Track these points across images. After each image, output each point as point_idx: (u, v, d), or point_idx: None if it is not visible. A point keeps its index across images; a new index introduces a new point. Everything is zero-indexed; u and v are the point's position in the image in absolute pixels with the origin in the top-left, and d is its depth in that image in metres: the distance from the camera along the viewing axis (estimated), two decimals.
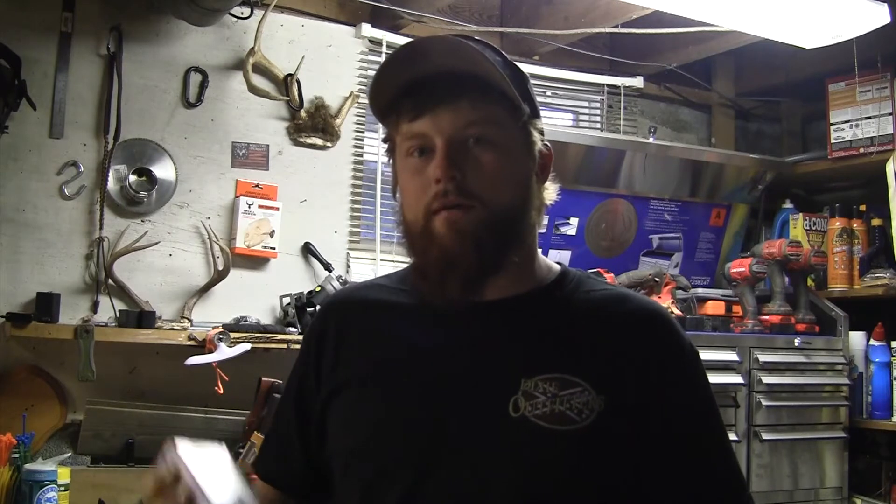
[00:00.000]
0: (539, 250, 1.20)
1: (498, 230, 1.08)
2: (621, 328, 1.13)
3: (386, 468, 1.10)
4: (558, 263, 1.23)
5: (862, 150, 3.18)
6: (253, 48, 2.73)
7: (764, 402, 2.83)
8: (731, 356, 2.82)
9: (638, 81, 3.47)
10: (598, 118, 3.48)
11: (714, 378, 2.63)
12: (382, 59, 2.98)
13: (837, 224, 3.26)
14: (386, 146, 1.18)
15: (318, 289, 2.73)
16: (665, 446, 1.09)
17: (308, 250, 2.86)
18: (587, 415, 1.05)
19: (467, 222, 1.07)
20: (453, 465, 1.06)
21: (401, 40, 3.00)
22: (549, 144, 1.18)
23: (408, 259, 1.17)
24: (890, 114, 3.11)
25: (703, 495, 1.11)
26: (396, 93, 1.11)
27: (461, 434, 1.07)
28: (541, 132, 1.16)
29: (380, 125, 3.10)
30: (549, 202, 1.19)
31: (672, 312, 2.16)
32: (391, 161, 1.18)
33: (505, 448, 1.05)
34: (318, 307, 2.66)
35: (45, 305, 2.42)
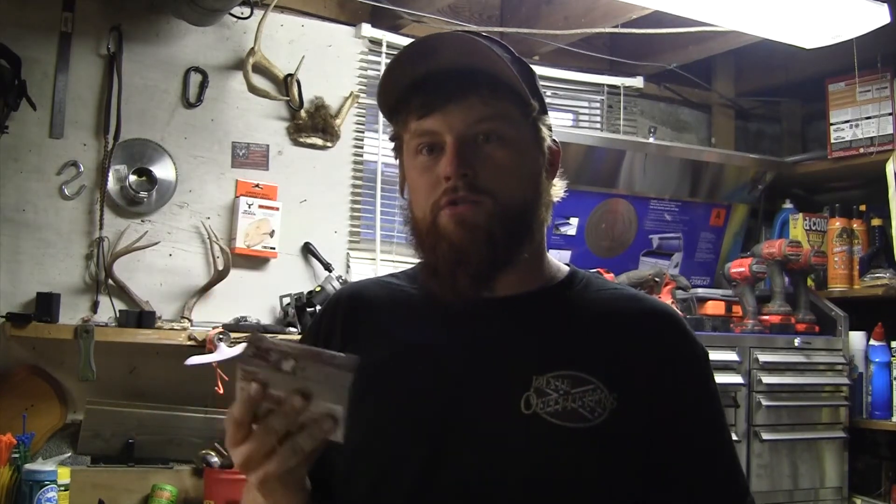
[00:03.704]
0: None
1: (509, 225, 1.08)
2: (632, 328, 1.12)
3: (393, 465, 1.08)
4: (567, 264, 1.22)
5: (862, 150, 3.18)
6: (253, 48, 2.73)
7: (764, 402, 2.83)
8: (731, 356, 2.82)
9: (638, 81, 3.47)
10: (598, 118, 3.48)
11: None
12: (383, 59, 2.98)
13: (837, 224, 3.26)
14: (393, 145, 1.18)
15: (318, 289, 2.73)
16: (671, 447, 1.09)
17: (308, 250, 2.86)
18: (599, 413, 1.05)
19: (476, 217, 1.07)
20: (463, 461, 1.05)
21: (401, 40, 3.00)
22: (557, 140, 1.18)
23: (414, 257, 1.18)
24: (890, 114, 3.11)
25: (704, 497, 1.11)
26: (405, 90, 1.11)
27: (471, 431, 1.06)
28: (549, 128, 1.16)
29: (380, 125, 3.11)
30: (556, 199, 1.19)
31: None
32: (399, 160, 1.18)
33: (516, 445, 1.05)
34: (318, 307, 2.67)
35: (45, 305, 2.42)
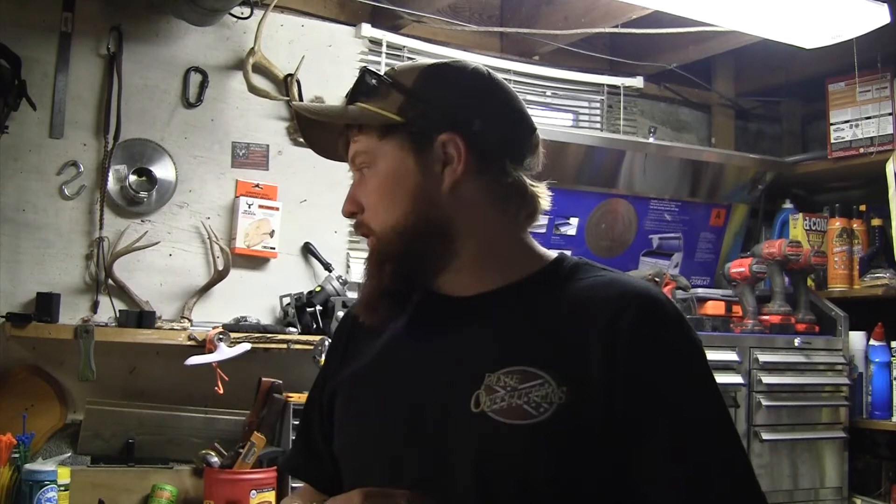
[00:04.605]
0: (526, 242, 1.17)
1: (390, 251, 1.12)
2: (594, 315, 1.05)
3: (364, 467, 1.13)
4: (560, 252, 1.20)
5: (862, 150, 3.18)
6: (253, 48, 2.73)
7: (764, 402, 2.84)
8: (731, 356, 2.82)
9: (638, 81, 3.47)
10: (598, 118, 3.48)
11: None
12: (383, 59, 2.98)
13: (837, 224, 3.26)
14: None
15: (318, 289, 2.73)
16: (640, 440, 1.01)
17: (308, 250, 2.86)
18: (545, 408, 1.01)
19: (371, 246, 1.17)
20: (421, 463, 1.07)
21: (401, 40, 3.01)
22: (455, 136, 1.11)
23: None
24: (890, 114, 3.11)
25: (687, 491, 1.00)
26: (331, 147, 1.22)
27: (430, 432, 1.07)
28: (440, 122, 1.11)
29: None
30: (534, 180, 1.16)
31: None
32: None
33: (465, 445, 1.04)
34: (318, 307, 2.67)
35: (45, 305, 2.42)
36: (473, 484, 1.03)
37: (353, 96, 1.16)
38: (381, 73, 1.17)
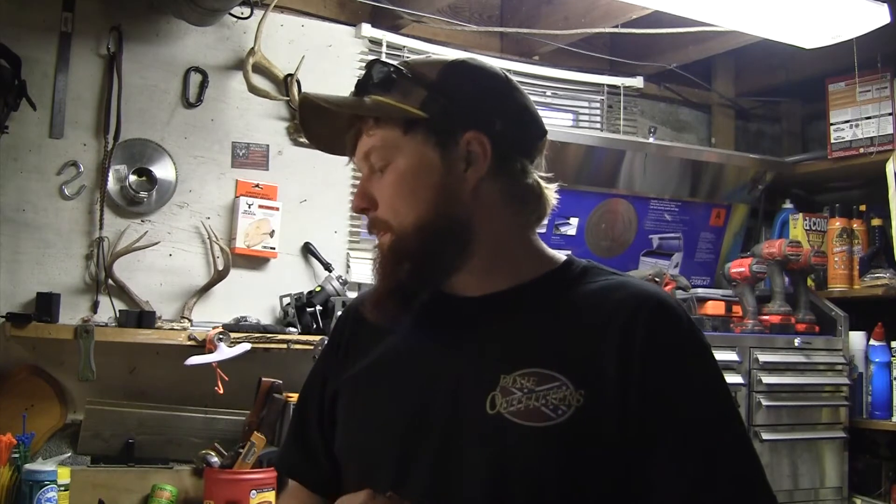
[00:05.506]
0: (535, 243, 1.17)
1: (410, 249, 1.10)
2: (607, 318, 1.06)
3: (370, 467, 1.11)
4: (567, 254, 1.20)
5: (862, 150, 3.18)
6: (253, 48, 2.73)
7: (764, 402, 2.84)
8: (731, 356, 2.82)
9: (638, 81, 3.46)
10: (598, 118, 3.48)
11: None
12: (383, 59, 2.97)
13: (837, 224, 3.26)
14: None
15: (318, 289, 2.73)
16: (652, 442, 1.02)
17: (308, 250, 2.86)
18: (563, 411, 1.01)
19: (383, 244, 1.13)
20: (427, 463, 1.06)
21: (401, 40, 3.00)
22: (480, 135, 1.10)
23: None
24: (890, 114, 3.11)
25: (692, 492, 1.01)
26: (331, 140, 1.19)
27: (440, 433, 1.07)
28: (467, 122, 1.11)
29: None
30: (542, 180, 1.15)
31: None
32: None
33: (480, 446, 1.04)
34: (318, 307, 2.67)
35: (45, 305, 2.42)
36: (485, 485, 1.02)
37: (364, 88, 1.13)
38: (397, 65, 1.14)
